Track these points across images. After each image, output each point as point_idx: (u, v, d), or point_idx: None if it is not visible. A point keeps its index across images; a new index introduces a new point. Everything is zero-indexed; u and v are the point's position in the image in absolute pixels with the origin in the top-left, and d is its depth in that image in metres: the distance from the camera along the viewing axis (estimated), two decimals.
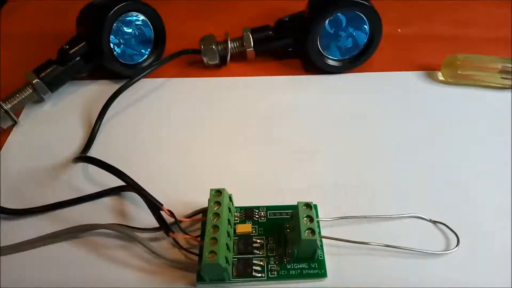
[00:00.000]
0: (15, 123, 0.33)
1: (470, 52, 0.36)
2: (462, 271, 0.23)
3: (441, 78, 0.36)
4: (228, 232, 0.23)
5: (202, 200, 0.25)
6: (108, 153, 0.30)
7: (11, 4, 0.47)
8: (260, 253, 0.24)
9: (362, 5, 0.33)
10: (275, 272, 0.23)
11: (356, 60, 0.36)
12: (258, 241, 0.24)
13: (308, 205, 0.23)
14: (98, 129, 0.32)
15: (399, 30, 0.42)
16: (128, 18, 0.35)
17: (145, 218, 0.25)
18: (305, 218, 0.22)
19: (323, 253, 0.24)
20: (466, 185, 0.28)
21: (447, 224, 0.25)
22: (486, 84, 0.35)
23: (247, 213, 0.25)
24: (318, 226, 0.25)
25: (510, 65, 0.34)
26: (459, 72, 0.35)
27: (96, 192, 0.27)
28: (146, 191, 0.24)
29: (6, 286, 0.23)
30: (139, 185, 0.24)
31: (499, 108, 0.33)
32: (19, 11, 0.46)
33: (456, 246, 0.24)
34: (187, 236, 0.23)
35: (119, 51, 0.36)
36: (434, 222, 0.25)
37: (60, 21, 0.43)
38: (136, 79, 0.35)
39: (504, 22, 0.43)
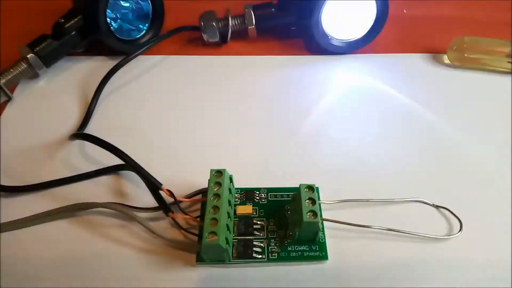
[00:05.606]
0: (9, 99, 0.32)
1: (478, 35, 0.35)
2: (465, 256, 0.23)
3: (446, 61, 0.35)
4: (228, 213, 0.22)
5: (202, 180, 0.24)
6: (105, 131, 0.29)
7: None
8: (261, 234, 0.23)
9: None
10: (276, 254, 0.22)
11: (360, 41, 0.35)
12: (259, 222, 0.24)
13: (310, 188, 0.22)
14: (95, 106, 0.31)
15: (404, 11, 0.41)
16: None
17: (144, 197, 0.25)
18: (307, 200, 0.22)
19: (324, 235, 0.23)
20: (470, 170, 0.27)
21: (450, 209, 0.25)
22: (493, 68, 0.34)
23: (248, 194, 0.25)
24: (320, 209, 0.24)
25: None
26: (465, 55, 0.34)
27: (94, 171, 0.26)
28: (145, 170, 0.23)
29: (3, 262, 0.22)
30: (137, 164, 0.23)
31: (505, 93, 0.33)
32: None
33: (459, 231, 0.24)
34: (187, 216, 0.23)
35: (116, 26, 0.35)
36: (437, 206, 0.25)
37: None
38: (133, 55, 0.34)
39: None
